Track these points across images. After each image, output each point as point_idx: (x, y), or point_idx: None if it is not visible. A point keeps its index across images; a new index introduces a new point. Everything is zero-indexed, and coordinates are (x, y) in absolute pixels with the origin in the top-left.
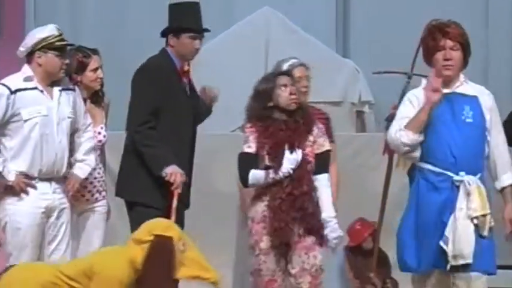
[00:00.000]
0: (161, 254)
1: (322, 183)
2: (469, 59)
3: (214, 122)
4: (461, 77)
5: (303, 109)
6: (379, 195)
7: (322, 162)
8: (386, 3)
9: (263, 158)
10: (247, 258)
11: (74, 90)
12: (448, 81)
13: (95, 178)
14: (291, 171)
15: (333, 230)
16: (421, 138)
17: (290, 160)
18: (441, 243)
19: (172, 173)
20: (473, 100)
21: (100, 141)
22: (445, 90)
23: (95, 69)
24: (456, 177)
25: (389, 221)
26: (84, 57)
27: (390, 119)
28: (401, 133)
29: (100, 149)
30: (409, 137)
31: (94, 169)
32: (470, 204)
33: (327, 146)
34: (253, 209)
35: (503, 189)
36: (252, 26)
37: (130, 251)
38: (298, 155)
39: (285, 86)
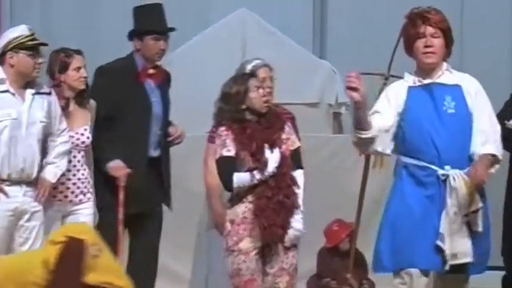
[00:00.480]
0: (71, 255)
1: (298, 178)
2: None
3: (191, 124)
4: (444, 65)
5: (272, 108)
6: (356, 196)
7: (296, 158)
8: (363, 5)
9: (245, 160)
10: (211, 259)
11: (49, 94)
12: (429, 70)
13: (79, 179)
14: (276, 170)
15: (297, 221)
16: (368, 135)
17: (273, 159)
18: (438, 242)
19: (113, 167)
20: (456, 90)
21: (83, 142)
22: (425, 81)
23: (78, 68)
24: (441, 171)
25: (367, 222)
26: (67, 56)
27: None
28: (353, 133)
29: (84, 151)
30: (355, 136)
31: (78, 170)
32: (460, 200)
33: (298, 143)
34: (232, 212)
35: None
36: (229, 28)
37: (45, 251)
38: (277, 153)
39: (258, 88)
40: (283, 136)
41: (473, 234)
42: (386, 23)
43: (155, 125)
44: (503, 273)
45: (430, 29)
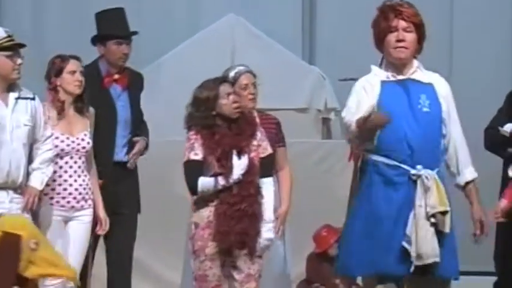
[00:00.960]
0: (6, 250)
1: (267, 186)
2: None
3: (178, 129)
4: (415, 62)
5: (245, 114)
6: (345, 202)
7: (267, 166)
8: (352, 10)
9: (212, 165)
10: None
11: (33, 99)
12: (400, 66)
13: (80, 185)
14: (241, 177)
15: (268, 230)
16: (371, 145)
17: (240, 166)
18: (404, 243)
19: None
20: (429, 88)
21: (84, 147)
22: (400, 77)
23: (72, 72)
24: (413, 171)
25: None
26: (62, 60)
27: None
28: (355, 129)
29: (85, 156)
30: (360, 143)
31: (79, 176)
32: (429, 200)
33: (269, 150)
34: (198, 215)
35: (466, 184)
36: (218, 33)
37: None
38: (245, 160)
39: (229, 94)
40: (254, 143)
41: (440, 235)
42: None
43: (123, 129)
44: (495, 278)
45: (402, 23)
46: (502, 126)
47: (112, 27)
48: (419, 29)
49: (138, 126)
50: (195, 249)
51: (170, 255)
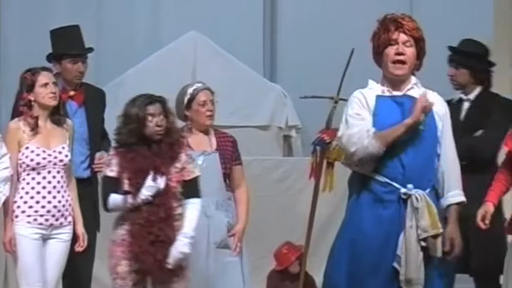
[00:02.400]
0: None
1: (192, 206)
2: None
3: None
4: (413, 79)
5: (171, 136)
6: (306, 219)
7: (192, 188)
8: (313, 28)
9: (123, 183)
10: None
11: None
12: (397, 82)
13: (59, 202)
14: (150, 198)
15: (180, 245)
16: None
17: (149, 187)
18: (395, 264)
19: None
20: None
21: (62, 160)
22: (395, 93)
23: (45, 85)
24: (403, 190)
25: (317, 244)
26: (32, 74)
27: (317, 143)
28: (372, 142)
29: (63, 170)
30: (379, 150)
31: (58, 192)
32: (419, 222)
33: (196, 173)
34: (115, 232)
35: (448, 206)
36: (179, 50)
37: None
38: (160, 182)
39: (153, 116)
40: (178, 165)
41: (430, 259)
42: (337, 47)
43: (80, 146)
44: None
45: (403, 36)
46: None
47: (67, 45)
48: (419, 44)
49: (99, 143)
50: (110, 266)
51: None
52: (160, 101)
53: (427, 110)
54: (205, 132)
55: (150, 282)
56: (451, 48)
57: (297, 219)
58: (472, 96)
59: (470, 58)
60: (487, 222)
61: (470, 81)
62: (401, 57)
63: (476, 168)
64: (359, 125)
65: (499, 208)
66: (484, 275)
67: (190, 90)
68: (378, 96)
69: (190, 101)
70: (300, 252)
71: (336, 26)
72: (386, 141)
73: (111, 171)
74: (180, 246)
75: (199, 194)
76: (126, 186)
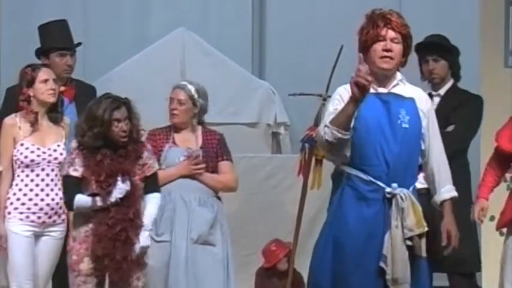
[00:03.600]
0: None
1: (152, 200)
2: None
3: None
4: (398, 75)
5: (134, 138)
6: (295, 216)
7: (153, 183)
8: (302, 25)
9: (91, 185)
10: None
11: None
12: (383, 78)
13: (52, 199)
14: (119, 200)
15: (146, 237)
16: (347, 136)
17: (120, 190)
18: (381, 263)
19: None
20: (410, 103)
21: (56, 158)
22: (380, 90)
23: (45, 81)
24: (388, 189)
25: (305, 242)
26: (33, 70)
27: (306, 140)
28: (325, 130)
29: (58, 168)
30: (333, 134)
31: (52, 189)
32: (405, 222)
33: (156, 167)
34: (76, 229)
35: (442, 202)
36: (167, 47)
37: None
38: (129, 184)
39: (119, 121)
40: (140, 162)
41: (416, 259)
42: (325, 44)
43: (69, 141)
44: None
45: (391, 33)
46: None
47: (55, 39)
48: (406, 41)
49: None
50: (70, 263)
51: None
52: (126, 103)
53: (360, 84)
54: (192, 130)
55: (109, 281)
56: (428, 43)
57: (286, 216)
58: (442, 91)
59: (446, 50)
60: (483, 219)
61: (448, 73)
62: (389, 54)
63: (448, 163)
64: (323, 121)
65: (468, 203)
66: (457, 272)
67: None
68: None
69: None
70: (288, 249)
71: (324, 23)
72: (338, 123)
73: (75, 171)
74: (142, 240)
75: (159, 188)
76: (94, 188)
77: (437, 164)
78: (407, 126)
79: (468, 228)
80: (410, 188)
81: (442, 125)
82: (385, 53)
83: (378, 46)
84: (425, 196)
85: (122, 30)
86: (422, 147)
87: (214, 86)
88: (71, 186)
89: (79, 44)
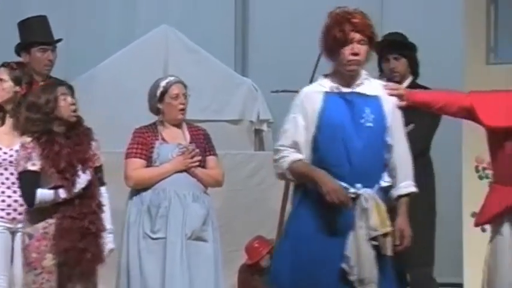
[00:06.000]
0: None
1: (103, 196)
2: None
3: (111, 140)
4: (363, 73)
5: (81, 124)
6: (278, 213)
7: (101, 176)
8: (284, 22)
9: (52, 177)
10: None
11: None
12: (348, 78)
13: (15, 201)
14: (82, 191)
15: (110, 241)
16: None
17: (83, 180)
18: (343, 265)
19: None
20: (375, 101)
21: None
22: (344, 89)
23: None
24: (352, 190)
25: None
26: None
27: None
28: (281, 168)
29: None
30: (285, 177)
31: (15, 192)
32: (369, 222)
33: (101, 159)
34: (32, 226)
35: (399, 197)
36: (151, 44)
37: None
38: (89, 174)
39: (65, 95)
40: (91, 153)
41: (381, 258)
42: (308, 41)
43: None
44: None
45: (357, 36)
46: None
47: (36, 35)
48: (371, 40)
49: None
50: (30, 261)
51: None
52: (63, 83)
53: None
54: (178, 126)
55: (75, 275)
56: (388, 41)
57: (268, 213)
58: None
59: (406, 48)
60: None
61: (408, 71)
62: (356, 57)
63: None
64: (285, 144)
65: (430, 202)
66: (415, 267)
67: (163, 83)
68: (326, 94)
69: (163, 94)
70: (271, 246)
71: (307, 20)
72: (296, 176)
73: (33, 165)
74: (109, 244)
75: (104, 181)
76: (55, 180)
77: (400, 160)
78: (371, 125)
79: (425, 226)
80: (375, 188)
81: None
82: (353, 57)
83: (346, 50)
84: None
85: (106, 27)
86: (389, 143)
87: (197, 83)
88: (30, 181)
89: (60, 39)
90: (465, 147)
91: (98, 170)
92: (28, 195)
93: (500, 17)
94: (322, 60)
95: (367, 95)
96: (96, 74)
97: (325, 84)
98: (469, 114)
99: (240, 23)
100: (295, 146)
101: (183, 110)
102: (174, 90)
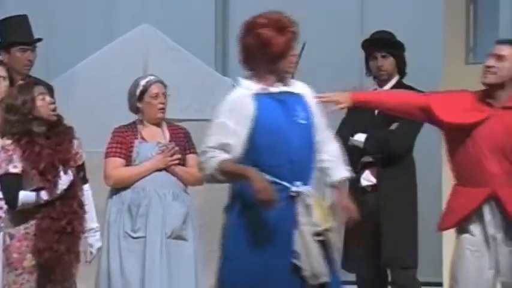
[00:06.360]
0: None
1: (87, 193)
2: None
3: (91, 139)
4: None
5: (61, 121)
6: None
7: (83, 174)
8: None
9: (34, 179)
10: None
11: None
12: (278, 79)
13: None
14: (63, 192)
15: (97, 240)
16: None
17: (64, 181)
18: (295, 261)
19: None
20: (301, 98)
21: None
22: (272, 89)
23: None
24: (293, 188)
25: None
26: None
27: None
28: (209, 166)
29: None
30: (214, 178)
31: None
32: (312, 218)
33: (84, 156)
34: (13, 226)
35: (334, 183)
36: (131, 43)
37: None
38: (70, 174)
39: (43, 94)
40: (73, 152)
41: (327, 252)
42: None
43: None
44: None
45: (294, 42)
46: (352, 136)
47: (16, 34)
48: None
49: None
50: (10, 261)
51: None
52: (40, 83)
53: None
54: (158, 125)
55: (54, 275)
56: (376, 39)
57: None
58: (387, 87)
59: (393, 46)
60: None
61: (395, 70)
62: (295, 60)
63: (391, 161)
64: (216, 144)
65: (413, 202)
66: (396, 267)
67: (143, 82)
68: (256, 96)
69: (143, 93)
70: None
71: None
72: (226, 175)
73: (15, 168)
74: (96, 243)
75: (87, 179)
76: (37, 182)
77: (330, 152)
78: (304, 122)
79: (409, 226)
80: (311, 184)
81: (387, 123)
82: (293, 62)
83: (288, 58)
84: (371, 193)
85: (86, 26)
86: (318, 140)
87: (177, 82)
88: (12, 184)
89: (40, 39)
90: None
91: (80, 169)
92: (10, 198)
93: (480, 17)
94: (302, 60)
95: (295, 93)
96: (76, 73)
97: (251, 87)
98: (425, 113)
99: (221, 22)
100: (223, 148)
101: (162, 109)
102: (154, 89)
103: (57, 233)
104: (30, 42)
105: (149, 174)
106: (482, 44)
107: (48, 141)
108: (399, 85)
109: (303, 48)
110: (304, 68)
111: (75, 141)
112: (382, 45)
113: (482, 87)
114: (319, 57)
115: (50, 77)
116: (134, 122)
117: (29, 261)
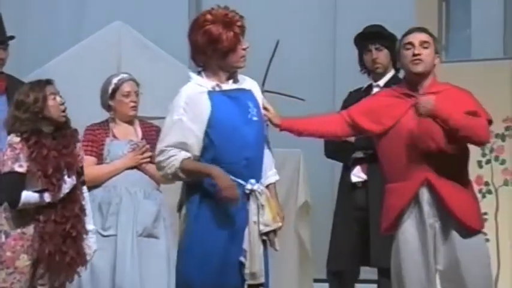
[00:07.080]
0: None
1: (86, 195)
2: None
3: None
4: None
5: (69, 125)
6: None
7: (83, 177)
8: None
9: (39, 181)
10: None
11: None
12: (231, 75)
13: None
14: (66, 196)
15: (94, 242)
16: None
17: (68, 185)
18: (241, 258)
19: None
20: (251, 94)
21: None
22: (225, 86)
23: None
24: (248, 186)
25: None
26: None
27: None
28: (172, 165)
29: None
30: (176, 177)
31: None
32: (262, 217)
33: (83, 161)
34: (10, 224)
35: (268, 185)
36: (103, 41)
37: None
38: (74, 178)
39: (54, 94)
40: (77, 155)
41: (266, 253)
42: (262, 38)
43: (2, 131)
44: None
45: (242, 36)
46: None
47: None
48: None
49: None
50: (2, 259)
51: None
52: (51, 82)
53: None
54: (130, 123)
55: (48, 275)
56: (368, 32)
57: None
58: (382, 82)
59: (387, 38)
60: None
61: (390, 63)
62: (244, 55)
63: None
64: (174, 142)
65: None
66: (384, 265)
67: (115, 80)
68: (210, 93)
69: (115, 91)
70: None
71: (261, 17)
72: (188, 174)
73: (20, 167)
74: (93, 245)
75: (84, 182)
76: (42, 184)
77: (269, 151)
78: (256, 118)
79: None
80: (262, 182)
81: None
82: (244, 57)
83: (238, 52)
84: (361, 189)
85: (58, 24)
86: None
87: (151, 80)
88: (16, 183)
89: (12, 37)
90: None
91: (81, 172)
92: (13, 196)
93: (452, 16)
94: (275, 58)
95: (245, 90)
96: (48, 71)
97: (204, 84)
98: (352, 128)
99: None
100: (182, 146)
101: (134, 107)
102: (126, 87)
103: (63, 236)
104: (3, 41)
105: (121, 172)
106: (454, 43)
107: (54, 143)
108: (394, 80)
109: (276, 46)
110: (278, 65)
111: (79, 144)
112: (375, 38)
113: (455, 85)
114: (296, 53)
115: (22, 74)
116: (107, 120)
117: (23, 261)
